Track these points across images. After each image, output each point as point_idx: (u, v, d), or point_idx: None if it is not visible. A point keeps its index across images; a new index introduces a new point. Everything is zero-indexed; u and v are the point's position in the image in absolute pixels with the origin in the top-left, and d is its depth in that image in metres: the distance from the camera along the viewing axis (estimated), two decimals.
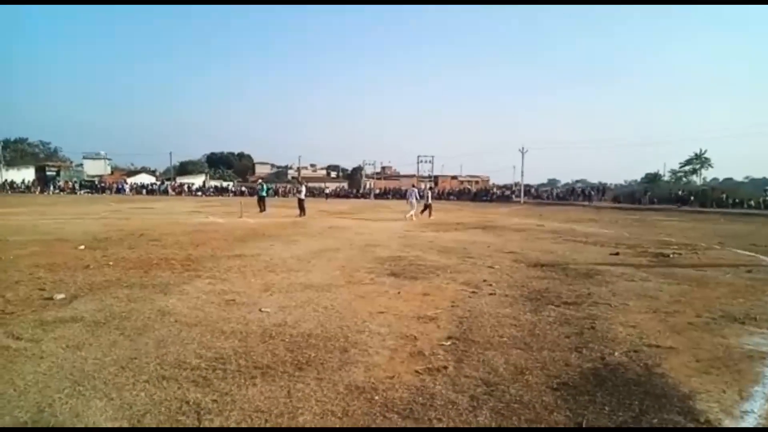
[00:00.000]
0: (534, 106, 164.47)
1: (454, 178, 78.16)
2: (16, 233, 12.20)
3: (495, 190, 63.47)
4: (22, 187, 55.26)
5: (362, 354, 3.94)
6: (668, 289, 6.76)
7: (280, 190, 59.90)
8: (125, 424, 2.72)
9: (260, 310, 5.21)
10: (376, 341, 4.27)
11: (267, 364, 3.65)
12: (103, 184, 59.66)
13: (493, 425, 2.83)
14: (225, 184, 67.32)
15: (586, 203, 46.75)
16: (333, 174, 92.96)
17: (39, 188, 55.26)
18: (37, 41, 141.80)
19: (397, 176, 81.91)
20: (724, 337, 4.60)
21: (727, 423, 2.92)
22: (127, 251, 9.26)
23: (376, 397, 3.12)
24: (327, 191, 62.11)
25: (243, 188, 60.51)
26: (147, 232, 12.98)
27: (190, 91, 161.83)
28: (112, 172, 71.73)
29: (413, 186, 30.04)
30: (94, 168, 69.24)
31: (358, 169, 76.11)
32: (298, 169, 77.35)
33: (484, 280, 7.08)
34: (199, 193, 58.26)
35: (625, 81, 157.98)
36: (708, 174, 65.83)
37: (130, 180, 63.75)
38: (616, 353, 4.08)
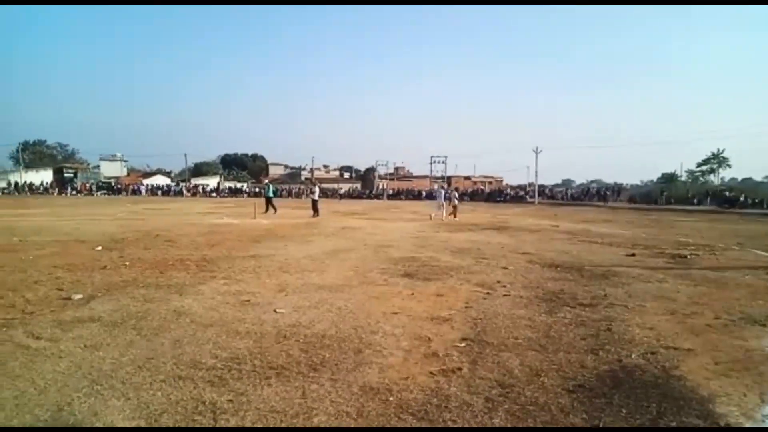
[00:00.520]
0: (548, 106, 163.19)
1: (467, 178, 77.89)
2: (36, 234, 12.40)
3: (509, 190, 63.20)
4: (41, 188, 56.26)
5: (376, 355, 3.94)
6: (686, 290, 6.67)
7: (293, 191, 60.19)
8: (142, 424, 2.74)
9: (275, 310, 5.23)
10: (390, 342, 4.27)
11: (282, 365, 3.67)
12: (119, 186, 60.51)
13: (509, 427, 2.81)
14: (239, 185, 67.78)
15: (602, 204, 46.27)
16: (346, 175, 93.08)
17: (57, 190, 56.17)
18: (54, 43, 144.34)
19: (410, 177, 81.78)
20: (743, 339, 4.53)
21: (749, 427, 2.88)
22: (143, 252, 9.36)
23: (391, 398, 3.12)
24: (341, 192, 62.25)
25: (257, 189, 60.88)
26: (163, 233, 13.11)
27: (204, 93, 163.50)
28: (129, 174, 72.79)
29: (441, 187, 30.05)
30: (110, 170, 70.33)
31: (370, 170, 76.14)
32: (312, 170, 77.64)
33: (499, 281, 7.05)
34: (214, 194, 58.74)
35: (642, 80, 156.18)
36: (726, 174, 64.96)
37: (146, 181, 64.51)
38: (633, 355, 4.04)
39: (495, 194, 59.01)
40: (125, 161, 76.33)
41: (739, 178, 67.45)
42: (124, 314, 4.97)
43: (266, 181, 42.23)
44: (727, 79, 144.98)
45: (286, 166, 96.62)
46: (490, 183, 77.52)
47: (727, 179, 63.83)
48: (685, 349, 4.20)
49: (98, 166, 71.13)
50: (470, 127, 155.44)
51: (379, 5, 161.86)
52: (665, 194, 46.93)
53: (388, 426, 2.79)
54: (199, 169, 79.43)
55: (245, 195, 57.57)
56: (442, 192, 23.43)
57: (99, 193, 56.32)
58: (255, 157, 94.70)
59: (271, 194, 23.85)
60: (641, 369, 3.73)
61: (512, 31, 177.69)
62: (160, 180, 68.45)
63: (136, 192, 57.24)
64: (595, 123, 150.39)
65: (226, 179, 74.27)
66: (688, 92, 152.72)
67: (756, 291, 6.66)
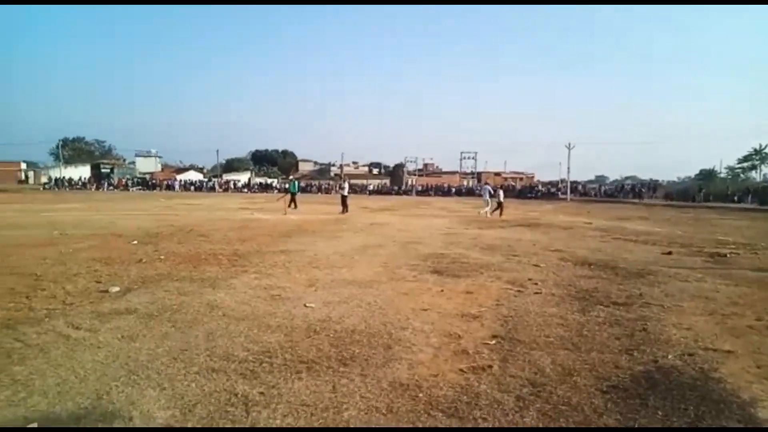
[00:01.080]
0: (581, 101, 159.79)
1: (497, 174, 76.94)
2: (75, 227, 12.81)
3: (540, 186, 62.23)
4: (79, 183, 58.13)
5: (406, 351, 3.94)
6: (725, 290, 6.45)
7: (322, 187, 60.59)
8: (177, 414, 2.80)
9: (305, 305, 5.28)
10: (420, 338, 4.26)
11: (312, 359, 3.70)
12: (154, 181, 62.02)
13: (541, 426, 2.77)
14: (269, 180, 68.63)
15: (637, 201, 45.19)
16: (375, 171, 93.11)
17: (95, 185, 58.00)
18: (94, 44, 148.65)
19: (439, 173, 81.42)
20: None
21: None
22: (177, 246, 9.57)
23: (420, 395, 3.11)
24: (370, 188, 62.36)
25: (287, 185, 61.44)
26: (195, 227, 13.38)
27: (236, 90, 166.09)
28: (163, 170, 74.45)
29: (486, 183, 29.80)
30: (145, 165, 72.27)
31: (399, 166, 75.94)
32: (341, 167, 77.93)
33: (530, 279, 6.95)
34: (245, 190, 59.55)
35: (679, 74, 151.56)
36: None
37: (180, 177, 65.94)
38: (670, 356, 3.93)
39: (526, 191, 58.21)
40: (159, 157, 78.23)
41: None
42: (159, 307, 5.09)
43: (291, 177, 42.52)
44: None
45: (316, 163, 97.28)
46: (521, 179, 76.40)
47: None
48: (725, 351, 4.07)
49: (134, 162, 73.29)
50: (501, 123, 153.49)
51: (416, 5, 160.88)
52: (703, 191, 45.41)
53: (418, 423, 2.78)
54: (231, 165, 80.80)
55: (275, 191, 58.17)
56: (488, 188, 23.14)
57: (134, 188, 57.88)
58: (285, 153, 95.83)
59: (295, 190, 23.93)
60: (678, 370, 3.63)
61: (544, 29, 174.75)
62: (193, 176, 69.99)
63: (170, 187, 58.54)
64: (630, 118, 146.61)
65: (256, 175, 75.36)
66: (728, 85, 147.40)
67: None
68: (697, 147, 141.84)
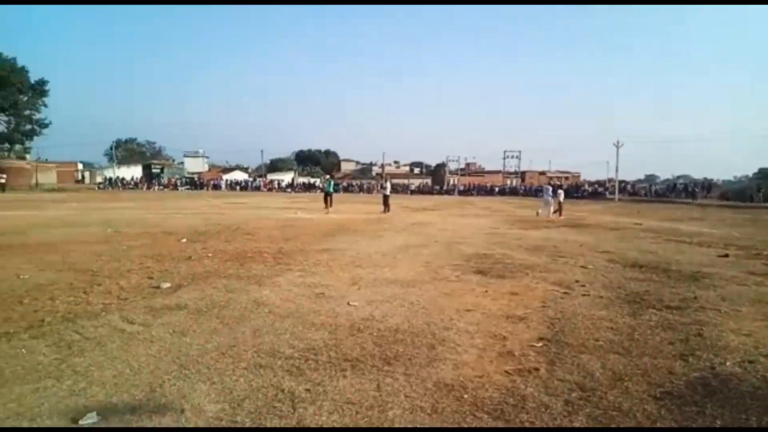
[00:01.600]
0: (631, 97, 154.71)
1: (542, 173, 75.43)
2: (127, 226, 13.32)
3: (586, 186, 60.68)
4: (131, 183, 60.46)
5: (450, 351, 3.91)
6: None
7: (364, 187, 60.96)
8: (227, 407, 2.87)
9: (348, 303, 5.32)
10: (464, 339, 4.22)
11: (356, 357, 3.72)
12: (201, 181, 63.89)
13: (588, 427, 2.70)
14: (312, 180, 69.49)
15: (690, 201, 43.35)
16: (416, 170, 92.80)
17: (146, 184, 60.18)
18: (149, 46, 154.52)
19: (482, 172, 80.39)
20: None
21: None
22: (224, 244, 9.81)
23: (465, 396, 3.08)
24: (411, 188, 62.25)
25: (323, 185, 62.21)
26: (241, 226, 13.70)
27: (281, 90, 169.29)
28: (210, 170, 76.50)
29: (548, 184, 29.23)
30: (193, 165, 74.41)
31: (441, 166, 75.46)
32: (382, 166, 78.08)
33: (577, 281, 6.77)
34: (288, 190, 60.50)
35: (735, 68, 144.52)
36: None
37: (226, 177, 67.67)
38: (728, 363, 3.74)
39: (572, 190, 56.66)
40: (207, 157, 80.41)
41: None
42: (208, 303, 5.23)
43: (326, 176, 42.81)
44: None
45: (358, 162, 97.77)
46: (567, 178, 74.43)
47: None
48: None
49: (182, 162, 75.51)
50: (546, 121, 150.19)
51: (460, 5, 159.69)
52: (763, 191, 43.02)
53: (463, 424, 2.75)
54: (275, 165, 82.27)
55: (318, 190, 58.87)
56: (550, 189, 22.61)
57: (183, 188, 59.77)
58: (327, 153, 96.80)
59: (331, 189, 23.95)
60: (738, 378, 3.45)
61: (591, 22, 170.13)
62: (239, 175, 71.64)
63: (216, 187, 60.16)
64: (682, 115, 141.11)
65: (300, 175, 76.40)
66: None
67: None
68: (754, 145, 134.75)
